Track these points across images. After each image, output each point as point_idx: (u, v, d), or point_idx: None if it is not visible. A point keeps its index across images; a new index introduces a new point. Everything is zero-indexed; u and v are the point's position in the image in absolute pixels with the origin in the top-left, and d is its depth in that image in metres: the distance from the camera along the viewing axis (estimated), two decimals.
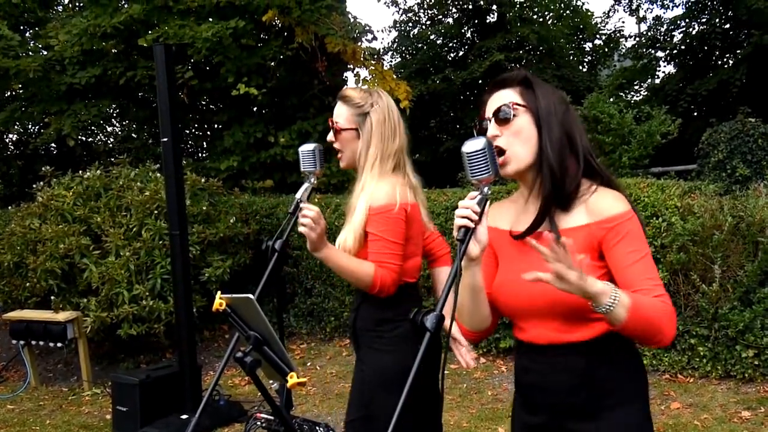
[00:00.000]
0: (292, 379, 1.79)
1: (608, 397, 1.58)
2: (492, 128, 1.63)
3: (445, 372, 1.56)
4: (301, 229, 2.17)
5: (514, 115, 1.61)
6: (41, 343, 5.66)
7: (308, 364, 5.94)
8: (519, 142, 1.61)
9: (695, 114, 13.10)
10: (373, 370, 2.25)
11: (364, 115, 2.29)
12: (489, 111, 1.66)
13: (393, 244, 2.19)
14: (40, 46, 9.09)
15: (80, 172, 6.38)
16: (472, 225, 1.48)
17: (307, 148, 2.37)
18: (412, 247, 2.28)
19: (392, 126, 2.30)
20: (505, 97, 1.65)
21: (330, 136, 2.37)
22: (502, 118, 1.62)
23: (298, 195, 2.33)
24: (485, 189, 1.51)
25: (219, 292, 1.92)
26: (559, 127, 1.60)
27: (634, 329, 1.44)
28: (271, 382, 2.07)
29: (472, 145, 1.49)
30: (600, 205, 1.56)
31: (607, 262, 1.57)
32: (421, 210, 2.31)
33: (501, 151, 1.61)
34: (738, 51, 12.74)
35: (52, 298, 5.71)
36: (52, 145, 11.12)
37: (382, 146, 2.27)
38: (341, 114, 2.34)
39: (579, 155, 1.61)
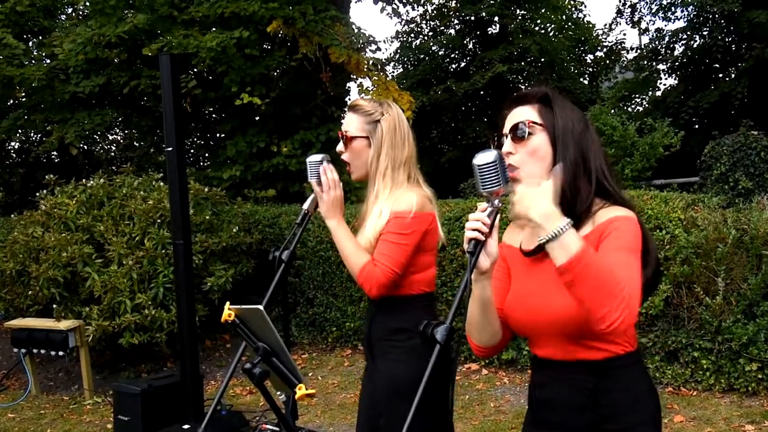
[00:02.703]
0: (301, 390, 1.79)
1: (611, 422, 1.56)
2: (507, 145, 1.62)
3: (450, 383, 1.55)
4: (313, 181, 2.26)
5: (530, 134, 1.60)
6: (43, 351, 5.64)
7: (310, 374, 5.92)
8: (533, 161, 1.59)
9: (696, 126, 13.13)
10: (386, 380, 2.22)
11: (375, 123, 2.28)
12: (507, 127, 1.65)
13: (397, 247, 2.14)
14: (44, 54, 9.13)
15: (83, 180, 6.39)
16: (482, 237, 1.47)
17: (314, 158, 2.36)
18: (430, 257, 2.25)
19: (402, 135, 2.29)
20: (523, 114, 1.63)
21: (339, 147, 2.33)
22: (519, 135, 1.61)
23: (305, 206, 2.32)
24: (496, 201, 1.49)
25: (227, 303, 1.90)
26: (574, 148, 1.59)
27: (577, 281, 1.36)
28: (278, 393, 2.06)
29: (483, 158, 1.48)
30: (603, 215, 1.56)
31: None
32: (438, 221, 2.29)
33: (512, 168, 1.59)
34: (739, 64, 12.78)
35: (54, 306, 5.69)
36: (54, 153, 11.14)
37: (393, 154, 2.25)
38: (352, 123, 2.31)
39: (591, 176, 1.60)
